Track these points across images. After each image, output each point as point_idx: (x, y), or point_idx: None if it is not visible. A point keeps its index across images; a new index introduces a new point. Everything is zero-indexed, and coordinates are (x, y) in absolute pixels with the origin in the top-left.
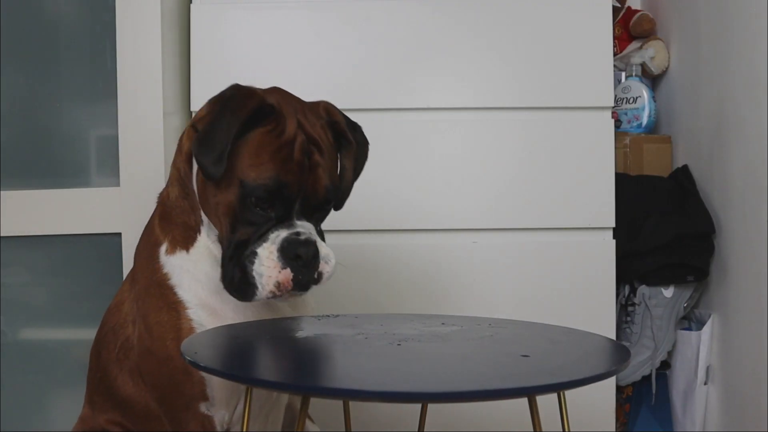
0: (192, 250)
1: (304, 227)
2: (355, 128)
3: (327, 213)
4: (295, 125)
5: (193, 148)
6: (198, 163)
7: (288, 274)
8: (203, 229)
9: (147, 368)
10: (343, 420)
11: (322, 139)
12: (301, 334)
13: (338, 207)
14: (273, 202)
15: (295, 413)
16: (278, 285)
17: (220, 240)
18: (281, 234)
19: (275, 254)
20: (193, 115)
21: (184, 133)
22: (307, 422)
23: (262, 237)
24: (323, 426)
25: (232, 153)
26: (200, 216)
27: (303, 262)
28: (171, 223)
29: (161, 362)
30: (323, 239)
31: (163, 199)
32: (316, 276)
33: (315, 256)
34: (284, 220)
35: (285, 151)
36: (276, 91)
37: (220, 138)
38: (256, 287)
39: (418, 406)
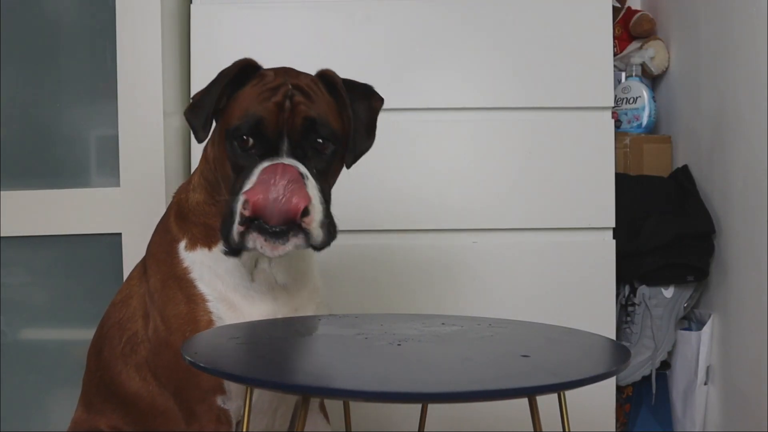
0: (215, 249)
1: (290, 161)
2: (356, 86)
3: (326, 157)
4: (282, 77)
5: (184, 115)
6: (191, 128)
7: (262, 191)
8: None
9: (162, 362)
10: (343, 420)
11: (310, 87)
12: (301, 334)
13: (348, 163)
14: (255, 141)
15: (311, 410)
16: (250, 204)
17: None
18: (264, 164)
19: (254, 181)
20: None
21: (208, 143)
22: (323, 422)
23: (248, 178)
24: (310, 418)
25: (225, 113)
26: None
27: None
28: (189, 223)
29: (179, 355)
30: (326, 191)
31: (180, 200)
32: (295, 201)
33: (295, 180)
34: (270, 158)
35: (266, 95)
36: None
37: (207, 101)
38: (234, 221)
39: (418, 406)
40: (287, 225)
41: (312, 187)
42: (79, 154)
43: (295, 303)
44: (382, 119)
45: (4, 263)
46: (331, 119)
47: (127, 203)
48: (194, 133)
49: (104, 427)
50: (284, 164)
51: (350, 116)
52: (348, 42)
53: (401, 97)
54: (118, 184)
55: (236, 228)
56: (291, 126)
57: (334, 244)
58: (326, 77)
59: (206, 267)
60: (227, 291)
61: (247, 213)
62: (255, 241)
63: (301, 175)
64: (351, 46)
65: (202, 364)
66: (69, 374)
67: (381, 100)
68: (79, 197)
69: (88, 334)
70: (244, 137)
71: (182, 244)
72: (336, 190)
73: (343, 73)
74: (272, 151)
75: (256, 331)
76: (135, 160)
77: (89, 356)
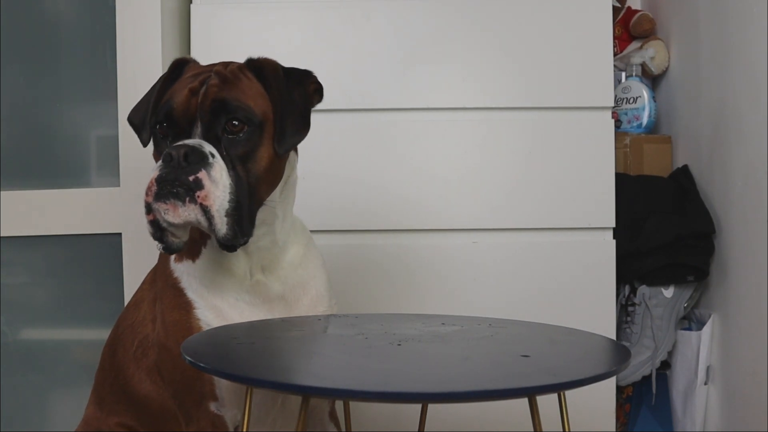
0: (198, 261)
1: (194, 141)
2: (293, 72)
3: (242, 139)
4: (207, 69)
5: (127, 119)
6: (134, 131)
7: (155, 174)
8: (209, 244)
9: (164, 364)
10: (343, 420)
11: (233, 73)
12: (301, 334)
13: (279, 150)
14: (168, 128)
15: (320, 413)
16: (147, 189)
17: None
18: (177, 145)
19: (159, 165)
20: None
21: None
22: (334, 430)
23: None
24: (320, 426)
25: None
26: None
27: (175, 163)
28: None
29: (175, 359)
30: (247, 181)
31: None
32: (191, 180)
33: (192, 160)
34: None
35: (184, 83)
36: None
37: (144, 103)
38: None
39: (419, 406)
40: (183, 188)
41: (219, 168)
42: (79, 154)
43: (294, 313)
44: (383, 119)
45: (4, 263)
46: (249, 101)
47: (127, 203)
48: (138, 135)
49: (117, 427)
50: (184, 143)
51: (277, 99)
52: (348, 42)
53: (401, 96)
54: (118, 184)
55: (146, 219)
56: (202, 109)
57: (335, 243)
58: (255, 63)
59: (193, 277)
60: (215, 300)
61: (149, 198)
62: (158, 213)
63: (204, 153)
64: (351, 46)
65: (201, 364)
66: (69, 374)
67: (317, 85)
68: (80, 197)
69: (88, 334)
70: (162, 124)
71: (172, 257)
72: (335, 190)
73: (342, 72)
74: (183, 136)
75: (256, 331)
76: (135, 160)
77: (104, 355)
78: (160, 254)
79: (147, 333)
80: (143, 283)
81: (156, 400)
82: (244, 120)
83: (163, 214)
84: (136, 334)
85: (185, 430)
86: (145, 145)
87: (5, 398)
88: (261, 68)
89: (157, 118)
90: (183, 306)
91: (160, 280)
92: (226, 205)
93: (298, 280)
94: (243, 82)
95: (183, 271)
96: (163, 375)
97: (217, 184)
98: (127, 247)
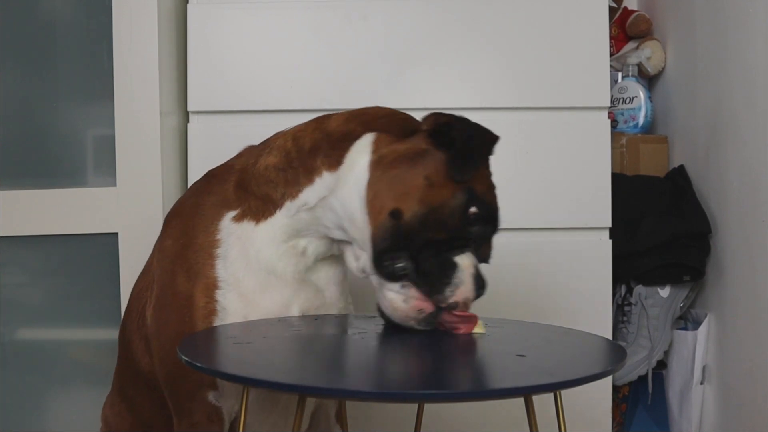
0: (262, 224)
1: (479, 266)
2: None
3: None
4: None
5: (454, 157)
6: (456, 165)
7: (472, 290)
8: (287, 206)
9: (158, 338)
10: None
11: None
12: (298, 333)
13: None
14: (482, 223)
15: (326, 413)
16: (467, 301)
17: (378, 228)
18: (475, 261)
19: (472, 271)
20: (190, 115)
21: (330, 117)
22: (337, 426)
23: (462, 249)
24: (325, 425)
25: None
26: (295, 193)
27: (474, 297)
28: (248, 193)
29: (174, 339)
30: None
31: (246, 167)
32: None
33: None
34: (467, 251)
35: (493, 189)
36: None
37: (477, 157)
38: (446, 293)
39: (415, 405)
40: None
41: None
42: (75, 154)
43: (318, 301)
44: None
45: (2, 263)
46: None
47: (124, 203)
48: (456, 173)
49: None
50: (483, 278)
51: None
52: (344, 42)
53: (398, 96)
54: (114, 184)
55: (449, 299)
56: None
57: None
58: None
59: (240, 243)
60: (246, 276)
61: (459, 311)
62: (443, 321)
63: None
64: (347, 46)
65: (198, 364)
66: (68, 374)
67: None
68: (76, 197)
69: (86, 334)
70: (472, 217)
71: (232, 214)
72: None
73: (338, 72)
74: (467, 241)
75: (253, 331)
76: (131, 159)
77: (119, 334)
78: (198, 206)
79: (147, 297)
80: (155, 245)
81: (154, 376)
82: None
83: (430, 323)
84: (140, 301)
85: (177, 425)
86: (464, 179)
87: (4, 398)
88: None
89: (484, 209)
90: (202, 280)
91: (184, 235)
92: None
93: (337, 273)
94: None
95: (232, 233)
96: (154, 350)
97: None
98: (123, 247)
